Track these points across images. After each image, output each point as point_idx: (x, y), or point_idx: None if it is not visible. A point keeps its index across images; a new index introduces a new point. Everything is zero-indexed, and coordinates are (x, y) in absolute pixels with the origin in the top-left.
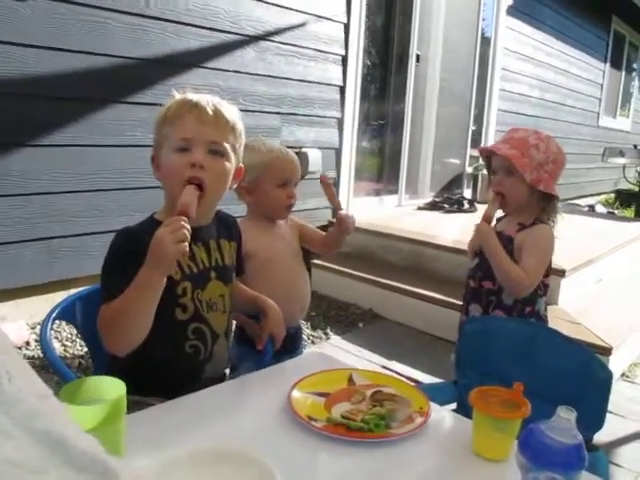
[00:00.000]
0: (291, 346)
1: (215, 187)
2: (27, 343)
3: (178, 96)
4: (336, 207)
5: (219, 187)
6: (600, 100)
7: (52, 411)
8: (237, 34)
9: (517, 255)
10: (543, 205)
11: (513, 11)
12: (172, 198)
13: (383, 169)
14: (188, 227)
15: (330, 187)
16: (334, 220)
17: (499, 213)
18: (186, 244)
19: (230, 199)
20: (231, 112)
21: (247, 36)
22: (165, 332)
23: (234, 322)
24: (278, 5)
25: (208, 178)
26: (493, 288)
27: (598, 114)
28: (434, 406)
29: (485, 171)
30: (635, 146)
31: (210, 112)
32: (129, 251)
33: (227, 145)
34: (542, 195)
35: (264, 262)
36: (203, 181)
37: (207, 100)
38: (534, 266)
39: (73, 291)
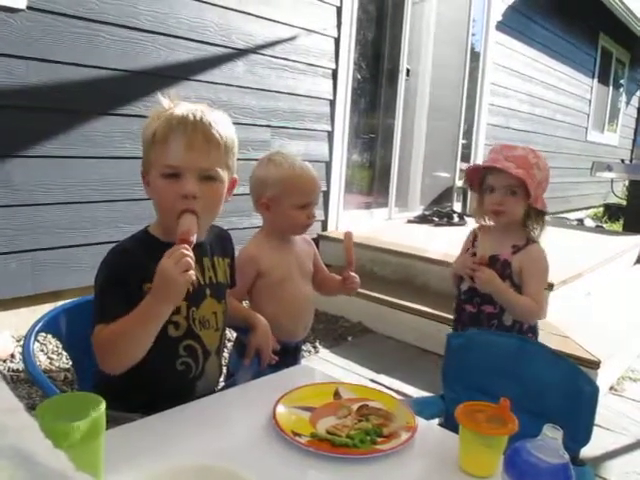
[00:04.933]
0: (291, 360)
1: (210, 212)
2: (12, 356)
3: (164, 103)
4: (348, 263)
5: (214, 211)
6: (588, 115)
7: (21, 426)
8: (227, 47)
9: (517, 279)
10: (537, 221)
11: (502, 27)
12: (164, 220)
13: (373, 182)
14: (191, 254)
15: (350, 242)
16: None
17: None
18: (192, 272)
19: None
20: (223, 127)
21: (237, 49)
22: (156, 349)
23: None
24: (268, 19)
25: (202, 206)
26: (494, 312)
27: (586, 129)
28: (421, 420)
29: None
30: (623, 160)
31: (200, 136)
32: (125, 270)
33: (219, 169)
34: (536, 212)
35: (278, 281)
36: (197, 212)
37: (196, 118)
38: (540, 292)
39: (60, 303)
